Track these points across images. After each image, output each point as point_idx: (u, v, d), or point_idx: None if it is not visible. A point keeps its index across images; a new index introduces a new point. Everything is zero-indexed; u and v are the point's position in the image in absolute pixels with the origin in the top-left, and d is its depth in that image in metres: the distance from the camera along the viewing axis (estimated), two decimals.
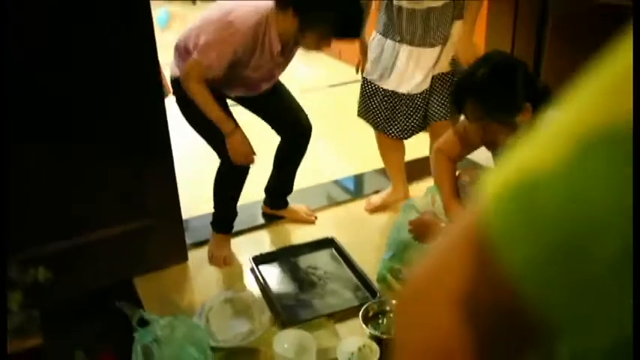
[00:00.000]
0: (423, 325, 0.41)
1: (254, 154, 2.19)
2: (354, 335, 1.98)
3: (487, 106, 1.74)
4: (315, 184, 2.97)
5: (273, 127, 2.47)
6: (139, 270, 2.31)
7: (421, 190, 2.38)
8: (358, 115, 2.61)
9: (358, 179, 3.10)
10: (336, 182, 3.04)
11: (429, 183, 2.25)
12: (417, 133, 2.55)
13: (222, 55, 2.00)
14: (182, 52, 2.13)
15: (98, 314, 2.09)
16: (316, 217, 2.70)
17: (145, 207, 2.23)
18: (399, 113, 2.46)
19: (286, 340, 1.87)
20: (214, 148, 2.26)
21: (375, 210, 2.73)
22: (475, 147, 2.01)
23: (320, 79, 4.55)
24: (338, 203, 2.85)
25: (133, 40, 1.96)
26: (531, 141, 0.35)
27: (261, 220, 2.68)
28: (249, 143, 2.17)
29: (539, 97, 1.71)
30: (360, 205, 2.81)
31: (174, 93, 2.23)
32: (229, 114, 2.16)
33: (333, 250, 2.46)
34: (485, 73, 1.70)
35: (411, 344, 0.43)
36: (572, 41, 2.77)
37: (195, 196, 2.64)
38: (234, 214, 2.42)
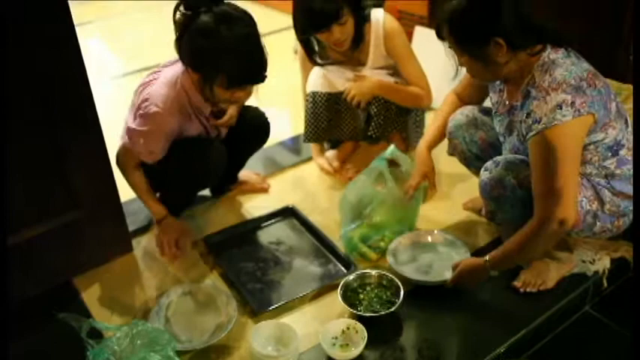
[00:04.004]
0: None
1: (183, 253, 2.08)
2: (333, 315, 1.81)
3: (455, 35, 1.67)
4: None
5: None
6: (79, 269, 2.02)
7: None
8: (306, 140, 2.50)
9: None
10: (283, 144, 2.80)
11: None
12: (366, 139, 2.46)
13: (151, 142, 1.93)
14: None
15: (36, 329, 1.81)
16: (269, 185, 2.47)
17: (76, 196, 1.92)
18: (344, 115, 2.43)
19: (263, 333, 1.66)
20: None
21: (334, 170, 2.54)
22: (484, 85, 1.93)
23: None
24: (289, 167, 2.62)
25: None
26: None
27: (207, 194, 2.41)
28: (180, 233, 2.08)
29: (526, 35, 1.61)
30: (312, 166, 2.60)
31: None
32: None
33: (295, 220, 2.25)
34: (460, 2, 1.63)
35: None
36: None
37: None
38: (193, 199, 2.16)
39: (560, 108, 1.55)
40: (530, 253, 1.72)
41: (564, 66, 1.61)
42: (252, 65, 1.86)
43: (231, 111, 2.10)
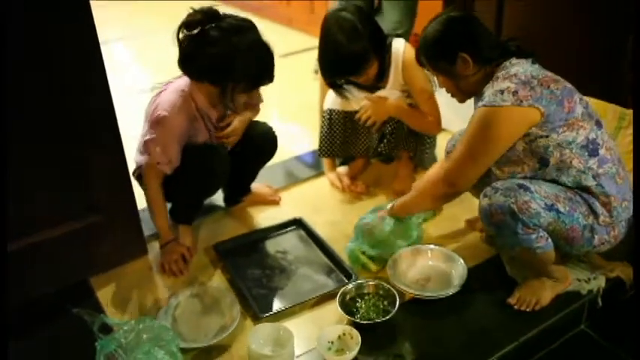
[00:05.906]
0: None
1: (181, 272, 2.14)
2: (331, 322, 1.88)
3: (428, 57, 1.88)
4: (274, 161, 2.81)
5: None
6: (96, 269, 2.14)
7: None
8: (321, 155, 2.62)
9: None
10: (297, 158, 2.91)
11: None
12: (377, 156, 2.59)
13: (167, 147, 2.03)
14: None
15: (53, 322, 1.93)
16: (280, 198, 2.57)
17: (96, 201, 2.05)
18: (359, 133, 2.53)
19: (262, 334, 1.75)
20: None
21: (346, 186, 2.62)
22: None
23: None
24: (301, 181, 2.72)
25: (72, 24, 1.78)
26: None
27: (220, 204, 2.53)
28: (182, 258, 2.16)
29: (490, 50, 1.82)
30: (325, 180, 2.70)
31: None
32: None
33: (302, 232, 2.34)
34: (431, 27, 1.86)
35: None
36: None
37: None
38: (200, 205, 2.27)
39: (502, 93, 1.69)
40: (424, 202, 2.01)
41: (522, 66, 1.76)
42: (268, 64, 2.03)
43: (236, 123, 2.19)
